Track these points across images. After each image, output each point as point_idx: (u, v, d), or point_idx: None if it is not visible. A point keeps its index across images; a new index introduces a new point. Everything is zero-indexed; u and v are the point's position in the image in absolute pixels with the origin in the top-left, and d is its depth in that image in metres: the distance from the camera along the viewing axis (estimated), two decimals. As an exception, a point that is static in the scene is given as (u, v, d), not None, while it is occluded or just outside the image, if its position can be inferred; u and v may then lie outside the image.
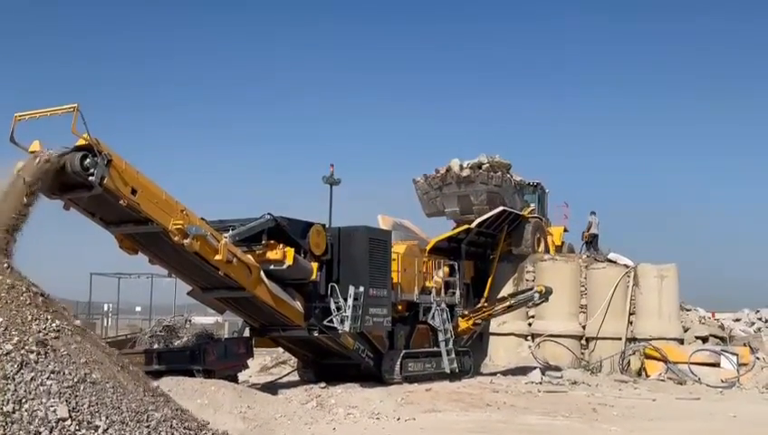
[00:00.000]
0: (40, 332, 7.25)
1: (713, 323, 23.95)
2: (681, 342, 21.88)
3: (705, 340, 22.24)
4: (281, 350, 19.96)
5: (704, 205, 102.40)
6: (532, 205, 24.88)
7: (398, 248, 18.30)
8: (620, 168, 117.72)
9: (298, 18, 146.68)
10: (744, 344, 21.71)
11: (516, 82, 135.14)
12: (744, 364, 20.16)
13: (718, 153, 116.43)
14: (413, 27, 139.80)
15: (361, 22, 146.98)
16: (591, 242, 25.67)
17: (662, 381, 19.98)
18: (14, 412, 6.24)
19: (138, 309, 39.41)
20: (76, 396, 6.78)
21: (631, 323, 22.34)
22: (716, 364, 20.33)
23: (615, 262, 23.46)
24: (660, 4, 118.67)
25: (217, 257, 13.37)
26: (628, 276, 22.68)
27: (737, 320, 27.31)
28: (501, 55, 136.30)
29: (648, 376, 20.56)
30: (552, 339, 22.16)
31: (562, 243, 25.85)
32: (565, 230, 26.41)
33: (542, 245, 24.00)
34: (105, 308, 35.74)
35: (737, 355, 20.31)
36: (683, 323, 22.72)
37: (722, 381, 19.58)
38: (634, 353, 21.39)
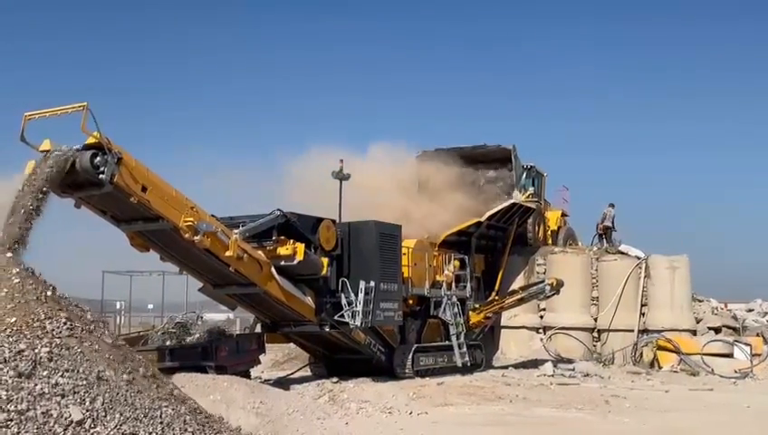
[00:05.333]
0: (53, 330, 7.28)
1: (725, 314, 23.87)
2: (694, 333, 21.83)
3: (717, 331, 22.18)
4: (292, 345, 20.01)
5: (716, 195, 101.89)
6: (530, 189, 24.58)
7: (409, 242, 18.29)
8: (633, 162, 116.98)
9: (299, 14, 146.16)
10: (757, 335, 21.67)
11: (526, 77, 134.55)
12: (758, 355, 20.11)
13: (730, 144, 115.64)
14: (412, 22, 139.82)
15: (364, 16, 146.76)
16: (605, 234, 25.39)
17: (675, 372, 19.93)
18: (28, 410, 6.27)
19: (150, 306, 39.47)
20: (90, 394, 6.81)
21: (643, 314, 22.29)
22: (729, 355, 20.29)
23: (626, 253, 23.39)
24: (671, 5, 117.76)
25: (228, 254, 13.41)
26: (640, 268, 22.61)
27: (750, 310, 27.16)
28: (512, 50, 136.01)
29: (660, 368, 20.52)
30: (563, 331, 22.13)
31: (559, 227, 25.49)
32: (564, 214, 26.15)
33: (541, 231, 23.83)
34: (117, 306, 35.83)
35: (750, 346, 20.27)
36: (695, 314, 22.66)
37: (735, 372, 19.51)
38: (646, 345, 21.35)
